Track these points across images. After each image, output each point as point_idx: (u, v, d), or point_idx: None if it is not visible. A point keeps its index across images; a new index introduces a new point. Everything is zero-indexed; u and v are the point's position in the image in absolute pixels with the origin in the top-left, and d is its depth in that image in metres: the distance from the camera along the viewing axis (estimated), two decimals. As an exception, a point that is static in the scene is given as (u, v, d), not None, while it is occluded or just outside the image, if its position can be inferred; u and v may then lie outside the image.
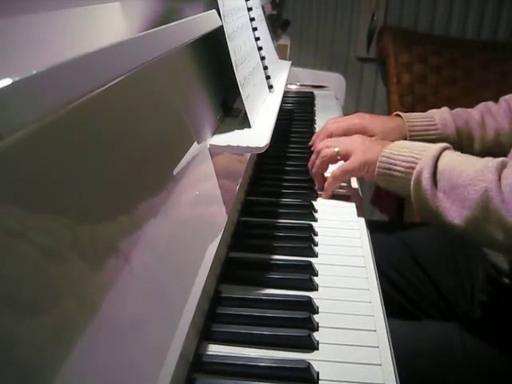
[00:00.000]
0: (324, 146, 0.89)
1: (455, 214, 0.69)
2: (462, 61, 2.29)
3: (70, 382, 0.29)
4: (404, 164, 0.75)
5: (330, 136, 1.01)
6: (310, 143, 1.05)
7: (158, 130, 0.53)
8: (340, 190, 0.90)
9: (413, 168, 0.74)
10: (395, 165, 0.76)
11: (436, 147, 0.75)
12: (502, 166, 0.68)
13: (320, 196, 0.89)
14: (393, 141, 0.97)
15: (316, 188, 0.91)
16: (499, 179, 0.67)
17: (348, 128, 0.99)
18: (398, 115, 1.01)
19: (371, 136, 0.97)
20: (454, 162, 0.72)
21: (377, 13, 2.34)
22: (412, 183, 0.74)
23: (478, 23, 2.33)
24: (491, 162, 0.69)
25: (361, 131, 0.98)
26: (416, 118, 0.98)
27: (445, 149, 0.75)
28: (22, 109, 0.26)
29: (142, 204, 0.44)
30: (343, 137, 0.92)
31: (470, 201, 0.68)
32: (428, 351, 0.79)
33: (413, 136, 0.96)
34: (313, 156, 0.91)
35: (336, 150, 0.86)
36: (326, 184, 0.88)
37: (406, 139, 0.96)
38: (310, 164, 0.92)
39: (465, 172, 0.69)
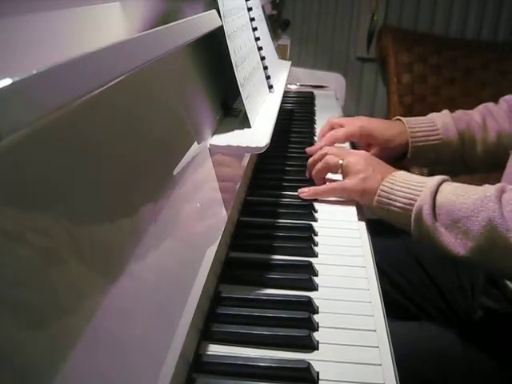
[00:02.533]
0: (331, 151, 0.88)
1: (460, 246, 0.69)
2: (461, 61, 2.29)
3: (71, 382, 0.29)
4: (403, 200, 0.75)
5: (334, 143, 1.01)
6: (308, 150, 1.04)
7: (158, 130, 0.53)
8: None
9: (412, 205, 0.74)
10: (394, 200, 0.76)
11: (433, 182, 0.74)
12: (501, 192, 0.68)
13: (300, 194, 0.86)
14: (395, 149, 0.97)
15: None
16: (501, 207, 0.66)
17: (353, 133, 1.00)
18: (398, 120, 1.01)
19: (373, 142, 0.97)
20: (452, 195, 0.71)
21: (377, 13, 2.35)
22: (412, 220, 0.74)
23: (478, 23, 2.33)
24: (489, 191, 0.69)
25: (365, 135, 0.98)
26: (417, 124, 0.98)
27: (442, 182, 0.74)
28: (21, 109, 0.26)
29: (142, 204, 0.44)
30: (352, 150, 0.91)
31: (473, 232, 0.67)
32: (428, 352, 0.79)
33: (415, 142, 0.96)
34: (316, 155, 0.90)
35: (340, 162, 0.85)
36: (319, 188, 0.86)
37: (407, 145, 0.97)
38: (310, 162, 0.91)
39: (464, 204, 0.69)
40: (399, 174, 0.80)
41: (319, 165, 0.88)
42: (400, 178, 0.78)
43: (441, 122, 0.98)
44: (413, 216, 0.73)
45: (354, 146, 1.08)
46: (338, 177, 0.88)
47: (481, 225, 0.67)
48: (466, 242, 0.68)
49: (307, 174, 0.93)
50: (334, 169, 0.86)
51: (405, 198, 0.75)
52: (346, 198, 0.85)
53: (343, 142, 1.03)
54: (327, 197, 0.86)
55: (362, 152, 0.89)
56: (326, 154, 0.88)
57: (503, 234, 0.65)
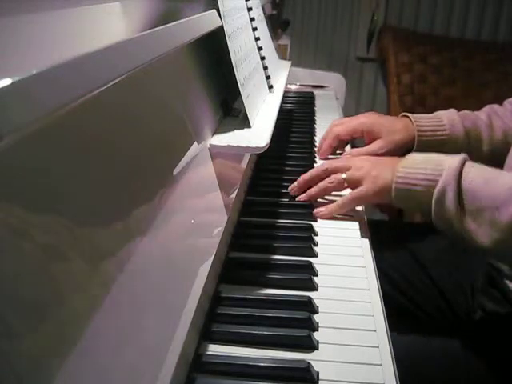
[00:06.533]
0: (331, 166, 0.83)
1: (483, 236, 0.66)
2: (462, 61, 2.29)
3: (70, 382, 0.29)
4: (423, 183, 0.70)
5: (337, 139, 1.01)
6: (317, 149, 1.05)
7: (158, 130, 0.53)
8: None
9: (433, 186, 0.69)
10: (414, 184, 0.71)
11: (455, 161, 0.69)
12: None
13: (317, 214, 0.80)
14: (399, 144, 0.96)
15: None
16: None
17: (355, 128, 0.99)
18: (405, 116, 1.01)
19: (377, 137, 0.96)
20: (480, 180, 0.67)
21: (377, 13, 2.34)
22: (434, 204, 0.69)
23: (478, 23, 2.33)
24: None
25: (367, 131, 0.97)
26: (424, 119, 0.98)
27: (464, 161, 0.70)
28: (21, 109, 0.26)
29: (142, 204, 0.44)
30: (351, 157, 0.86)
31: (501, 223, 0.64)
32: (428, 351, 0.79)
33: (421, 136, 0.95)
34: (316, 171, 0.84)
35: (343, 176, 0.79)
36: (336, 205, 0.80)
37: (413, 140, 0.95)
38: (307, 178, 0.84)
39: (494, 192, 0.65)
40: (410, 156, 0.75)
41: (323, 184, 0.81)
42: (414, 160, 0.73)
43: (447, 119, 0.97)
44: (434, 199, 0.69)
45: (353, 146, 1.07)
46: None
47: (511, 217, 0.63)
48: (491, 232, 0.65)
49: (295, 188, 0.84)
50: (340, 186, 0.81)
51: (425, 179, 0.70)
52: (365, 205, 0.81)
53: (346, 138, 1.03)
54: (345, 211, 0.80)
55: (363, 157, 0.85)
56: (327, 170, 0.82)
57: None
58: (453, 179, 0.68)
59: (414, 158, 0.76)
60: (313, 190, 0.82)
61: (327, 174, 0.82)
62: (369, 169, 0.78)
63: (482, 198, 0.66)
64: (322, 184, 0.82)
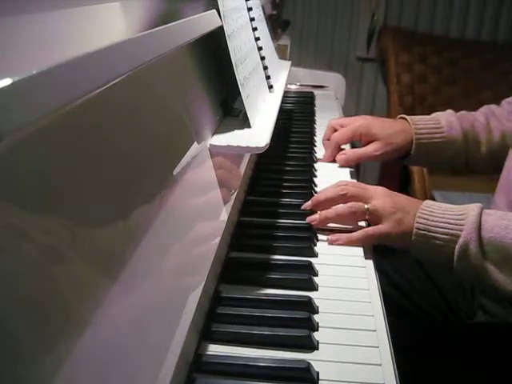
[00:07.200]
0: (350, 192, 0.76)
1: (509, 282, 0.66)
2: (462, 61, 2.29)
3: (70, 382, 0.29)
4: (443, 237, 0.69)
5: (338, 146, 1.01)
6: (324, 156, 1.03)
7: (157, 130, 0.53)
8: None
9: (454, 241, 0.68)
10: (433, 238, 0.69)
11: (473, 213, 0.68)
12: None
13: (334, 243, 0.73)
14: (396, 146, 0.96)
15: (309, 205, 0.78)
16: None
17: (353, 132, 0.99)
18: (402, 118, 1.01)
19: (374, 139, 0.96)
20: (501, 227, 0.66)
21: (377, 13, 2.35)
22: (456, 257, 0.68)
23: (478, 23, 2.34)
24: None
25: (365, 133, 0.97)
26: (422, 121, 0.98)
27: (481, 211, 0.69)
28: (21, 109, 0.26)
29: (142, 204, 0.44)
30: (369, 187, 0.78)
31: None
32: (428, 352, 0.79)
33: (419, 139, 0.96)
34: (331, 193, 0.77)
35: (366, 207, 0.73)
36: (353, 236, 0.73)
37: (410, 142, 0.96)
38: (322, 198, 0.77)
39: None
40: (429, 205, 0.72)
41: (342, 210, 0.75)
42: (434, 212, 0.71)
43: (445, 121, 0.98)
44: (456, 253, 0.68)
45: (353, 146, 1.08)
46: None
47: None
48: None
49: (309, 205, 0.78)
50: (361, 216, 0.75)
51: (445, 234, 0.69)
52: (378, 243, 0.75)
53: (346, 143, 1.03)
54: (361, 244, 0.73)
55: (381, 189, 0.77)
56: (344, 196, 0.76)
57: None
58: (474, 231, 0.67)
59: (434, 207, 0.72)
60: (329, 213, 0.75)
61: (345, 199, 0.76)
62: (393, 209, 0.73)
63: (506, 247, 0.65)
64: (342, 209, 0.75)
